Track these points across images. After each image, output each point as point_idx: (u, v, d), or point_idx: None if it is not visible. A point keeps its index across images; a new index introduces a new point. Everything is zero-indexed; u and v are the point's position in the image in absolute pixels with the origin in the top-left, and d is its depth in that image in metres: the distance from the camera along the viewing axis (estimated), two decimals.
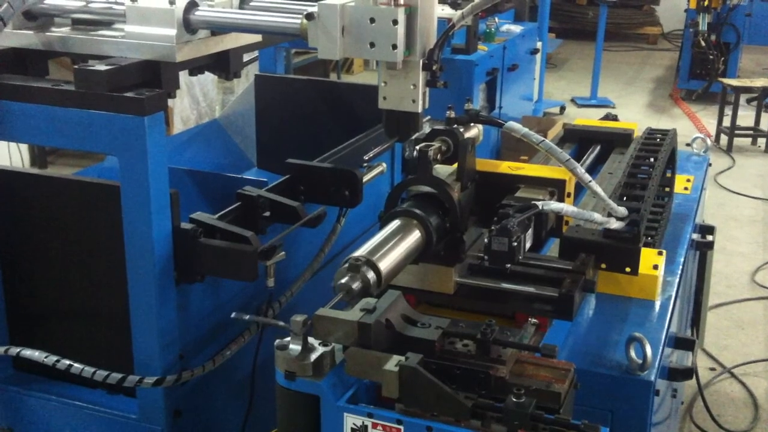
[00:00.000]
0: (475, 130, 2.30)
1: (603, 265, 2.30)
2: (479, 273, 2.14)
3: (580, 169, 2.11)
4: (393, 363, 1.73)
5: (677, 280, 2.49)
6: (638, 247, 2.28)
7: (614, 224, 2.25)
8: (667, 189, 3.02)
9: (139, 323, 2.17)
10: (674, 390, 2.75)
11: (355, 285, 1.73)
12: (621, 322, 2.25)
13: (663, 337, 2.19)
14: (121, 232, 2.11)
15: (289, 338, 1.83)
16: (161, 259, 2.11)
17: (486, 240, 1.98)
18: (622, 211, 2.27)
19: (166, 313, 2.15)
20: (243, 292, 2.42)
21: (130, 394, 2.28)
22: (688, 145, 3.68)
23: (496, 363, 1.76)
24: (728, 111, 8.68)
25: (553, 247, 2.51)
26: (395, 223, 1.97)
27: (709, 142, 3.74)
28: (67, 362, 2.21)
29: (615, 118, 3.80)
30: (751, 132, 8.80)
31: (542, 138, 2.09)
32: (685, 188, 3.24)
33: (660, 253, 2.46)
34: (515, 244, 1.95)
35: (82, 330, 2.35)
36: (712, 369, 4.62)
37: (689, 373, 2.45)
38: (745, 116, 8.82)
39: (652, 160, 2.86)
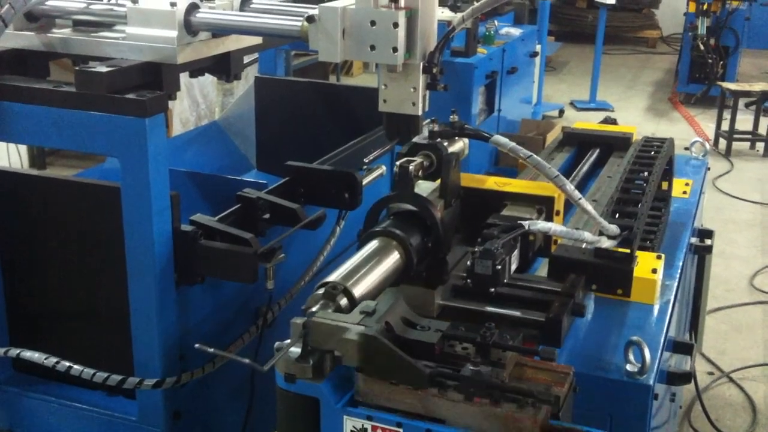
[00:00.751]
0: (460, 144, 2.22)
1: (594, 287, 2.22)
2: (463, 295, 2.05)
3: (570, 186, 2.03)
4: (354, 332, 1.72)
5: (676, 284, 2.49)
6: (631, 267, 2.20)
7: (606, 243, 2.17)
8: (665, 184, 3.01)
9: (139, 325, 2.17)
10: (673, 394, 2.76)
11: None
12: (620, 325, 2.25)
13: (662, 341, 2.19)
14: (122, 234, 2.11)
15: (289, 340, 1.83)
16: (161, 261, 2.11)
17: (469, 262, 1.90)
18: (614, 229, 2.19)
19: (166, 314, 2.16)
20: (242, 293, 2.42)
21: (129, 395, 2.28)
22: (686, 149, 3.68)
23: (496, 366, 1.76)
24: (727, 115, 8.69)
25: (541, 266, 2.43)
26: (373, 244, 1.90)
27: (707, 146, 3.75)
28: (67, 364, 2.21)
29: (614, 122, 3.79)
30: (749, 136, 8.81)
31: (530, 153, 2.02)
32: (684, 192, 3.25)
33: (659, 257, 2.46)
34: (499, 266, 1.88)
35: (82, 331, 2.36)
36: (711, 373, 4.62)
37: (688, 377, 2.45)
38: (744, 120, 8.82)
39: (646, 174, 2.81)
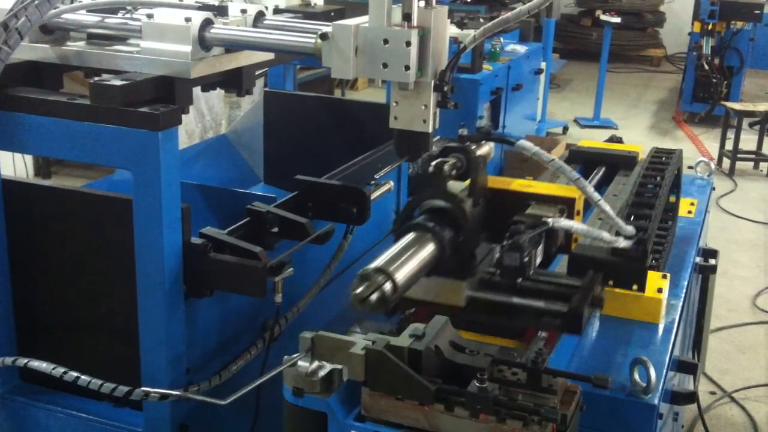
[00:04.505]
0: (486, 148, 2.31)
1: (611, 282, 2.32)
2: (489, 287, 2.14)
3: (590, 188, 2.14)
4: (360, 347, 1.77)
5: (681, 303, 2.51)
6: (645, 265, 2.31)
7: (622, 243, 2.27)
8: (673, 198, 3.05)
9: (147, 337, 2.18)
10: (676, 413, 2.76)
11: (373, 297, 1.74)
12: (625, 344, 2.26)
13: (667, 360, 2.20)
14: (132, 246, 2.13)
15: (297, 354, 1.84)
16: (171, 273, 2.12)
17: (498, 255, 2.02)
18: (630, 230, 2.30)
19: (174, 327, 2.17)
20: (250, 307, 2.43)
21: (136, 407, 2.28)
22: (690, 167, 3.69)
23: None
24: (730, 134, 8.71)
25: (560, 265, 2.52)
26: (410, 236, 1.99)
27: (712, 165, 3.76)
28: (75, 374, 2.22)
29: (620, 140, 3.81)
30: (753, 156, 8.82)
31: (552, 157, 2.12)
32: (689, 212, 3.26)
33: (664, 277, 2.47)
34: (526, 259, 1.99)
35: (90, 342, 2.37)
36: (713, 393, 4.62)
37: (692, 397, 2.45)
38: (748, 140, 8.83)
39: (658, 179, 2.89)
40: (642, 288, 2.32)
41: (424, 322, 2.13)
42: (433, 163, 2.10)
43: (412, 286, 1.92)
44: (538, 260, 2.15)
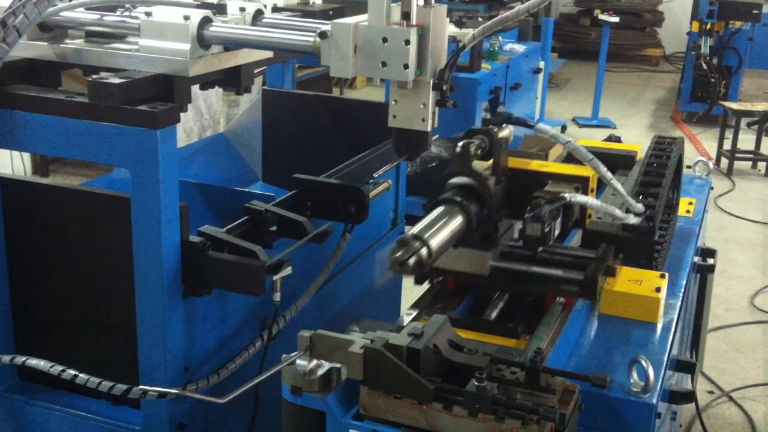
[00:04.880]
0: (507, 131, 2.44)
1: (621, 256, 2.46)
2: (511, 258, 2.30)
3: (603, 168, 2.31)
4: (358, 345, 1.80)
5: (679, 303, 2.51)
6: (653, 240, 2.47)
7: (632, 219, 2.43)
8: (674, 195, 3.08)
9: (145, 335, 2.18)
10: (674, 413, 2.76)
11: (411, 260, 1.84)
12: (623, 344, 2.27)
13: (665, 359, 2.20)
14: (131, 244, 2.12)
15: (295, 353, 1.85)
16: (169, 272, 2.12)
17: (521, 225, 2.20)
18: (640, 208, 2.45)
19: (172, 325, 2.16)
20: (249, 305, 2.43)
21: (134, 405, 2.28)
22: (689, 167, 3.69)
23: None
24: (729, 134, 8.72)
25: (574, 241, 2.67)
26: (440, 209, 2.11)
27: (711, 165, 3.76)
28: (73, 372, 2.21)
29: (618, 140, 3.83)
30: (751, 156, 8.83)
31: (569, 139, 2.31)
32: (687, 211, 3.27)
33: (662, 276, 2.47)
34: (547, 229, 2.17)
35: (88, 340, 2.36)
36: (711, 392, 4.63)
37: (690, 396, 2.46)
38: (746, 140, 8.85)
39: (664, 158, 2.99)
40: (648, 264, 2.47)
41: (451, 290, 2.42)
42: (460, 144, 2.25)
43: (444, 253, 2.03)
44: (557, 232, 2.32)
